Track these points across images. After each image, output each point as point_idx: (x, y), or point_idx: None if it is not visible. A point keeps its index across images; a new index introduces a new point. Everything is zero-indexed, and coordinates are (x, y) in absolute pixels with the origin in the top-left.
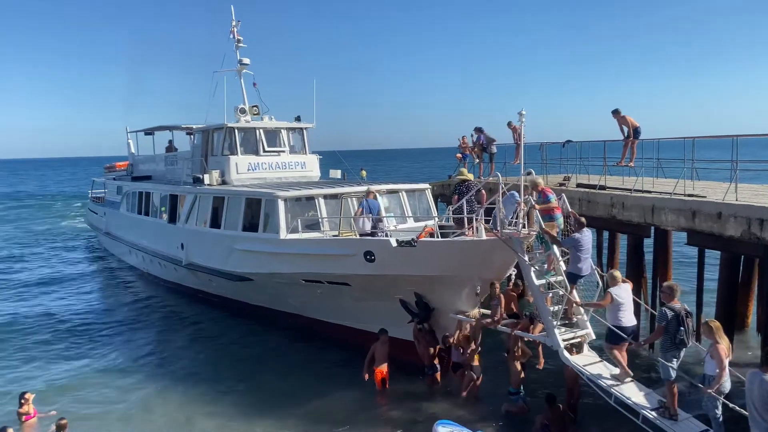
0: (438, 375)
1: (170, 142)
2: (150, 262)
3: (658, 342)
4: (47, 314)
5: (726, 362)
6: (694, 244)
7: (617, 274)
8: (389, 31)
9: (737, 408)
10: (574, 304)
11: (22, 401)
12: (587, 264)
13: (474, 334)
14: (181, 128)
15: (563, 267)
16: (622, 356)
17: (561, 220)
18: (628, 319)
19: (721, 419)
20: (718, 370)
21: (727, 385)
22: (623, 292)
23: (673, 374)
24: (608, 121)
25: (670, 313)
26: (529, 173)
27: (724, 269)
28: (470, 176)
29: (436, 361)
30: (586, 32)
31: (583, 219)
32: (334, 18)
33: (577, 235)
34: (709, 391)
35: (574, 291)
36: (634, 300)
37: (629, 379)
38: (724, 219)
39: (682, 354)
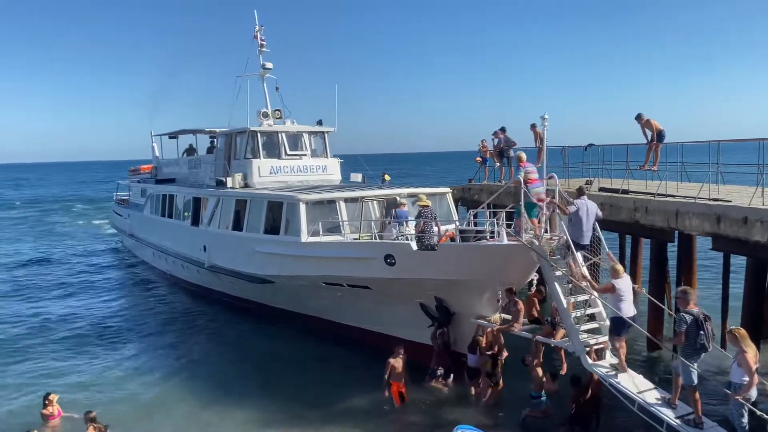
0: (440, 380)
1: (212, 142)
2: (173, 263)
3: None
4: (70, 314)
5: (754, 370)
6: (719, 250)
7: (619, 267)
8: (411, 34)
9: (764, 415)
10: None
11: (46, 402)
12: (587, 235)
13: (494, 340)
14: (205, 132)
15: (566, 230)
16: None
17: (538, 189)
18: (628, 309)
19: (747, 427)
20: (746, 378)
21: (753, 392)
22: (623, 284)
23: (695, 379)
24: (630, 124)
25: (689, 318)
26: (551, 177)
27: (750, 275)
28: (428, 202)
29: (440, 369)
30: (605, 34)
31: (582, 186)
32: (357, 23)
33: (577, 202)
34: (737, 398)
35: (576, 260)
36: (657, 306)
37: (654, 388)
38: (750, 224)
39: (701, 358)
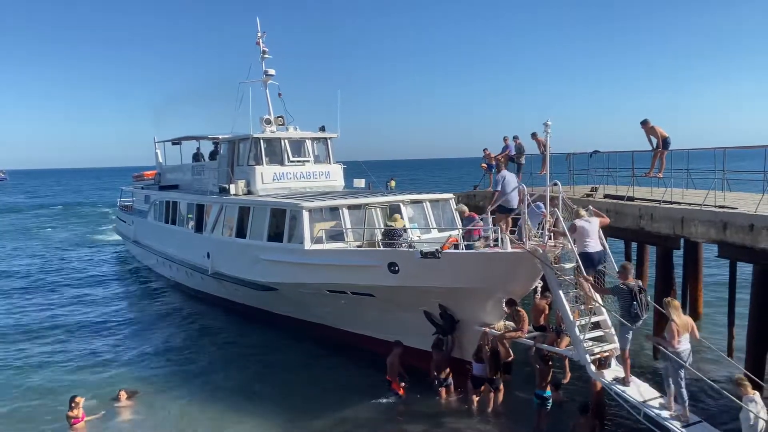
0: (444, 390)
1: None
2: (177, 270)
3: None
4: (75, 322)
5: (680, 337)
6: (726, 257)
7: (583, 212)
8: (428, 38)
9: (695, 371)
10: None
11: (72, 405)
12: (513, 200)
13: (499, 348)
14: (208, 138)
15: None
16: (588, 284)
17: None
18: (593, 246)
19: (683, 387)
20: (669, 338)
21: (685, 355)
22: (587, 223)
23: (627, 344)
24: (635, 130)
25: (624, 289)
26: (555, 184)
27: (756, 283)
28: (401, 223)
29: (443, 375)
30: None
31: (502, 157)
32: (365, 26)
33: (500, 174)
34: (664, 350)
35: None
36: (663, 313)
37: (660, 397)
38: (756, 231)
39: (637, 325)
